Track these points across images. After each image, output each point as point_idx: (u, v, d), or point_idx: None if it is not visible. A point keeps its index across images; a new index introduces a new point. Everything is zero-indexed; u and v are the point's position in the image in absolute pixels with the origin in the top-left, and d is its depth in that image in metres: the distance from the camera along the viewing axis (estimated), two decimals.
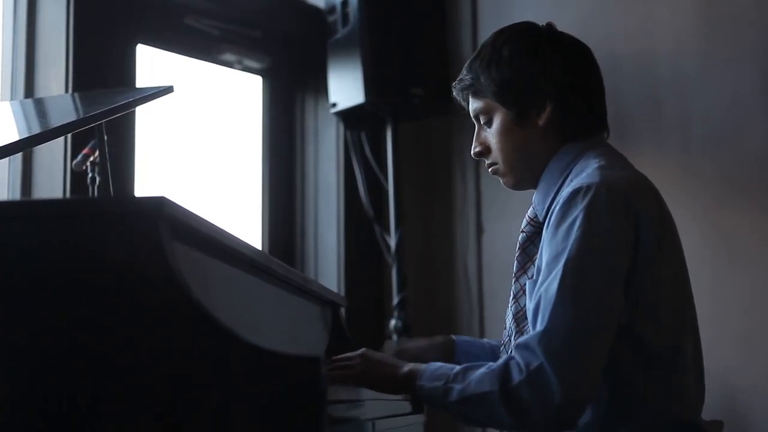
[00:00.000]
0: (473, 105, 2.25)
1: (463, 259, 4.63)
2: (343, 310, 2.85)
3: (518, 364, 1.92)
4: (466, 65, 2.26)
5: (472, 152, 2.27)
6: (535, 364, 1.90)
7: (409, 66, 4.32)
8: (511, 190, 2.30)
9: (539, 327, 1.95)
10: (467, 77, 2.24)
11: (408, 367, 2.04)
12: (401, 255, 4.35)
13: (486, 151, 2.25)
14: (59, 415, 1.55)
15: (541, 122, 2.17)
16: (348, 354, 2.08)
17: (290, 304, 2.38)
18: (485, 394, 1.93)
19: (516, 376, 1.91)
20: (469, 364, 2.02)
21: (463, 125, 4.62)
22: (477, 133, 2.26)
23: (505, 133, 2.19)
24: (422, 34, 4.42)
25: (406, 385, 2.03)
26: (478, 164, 4.57)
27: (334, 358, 2.08)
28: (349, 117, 4.39)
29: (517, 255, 2.25)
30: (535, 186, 2.23)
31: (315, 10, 4.55)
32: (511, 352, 2.00)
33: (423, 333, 4.30)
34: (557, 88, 2.17)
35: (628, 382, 2.05)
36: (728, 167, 3.96)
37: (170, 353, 1.55)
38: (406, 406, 2.52)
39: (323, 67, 4.39)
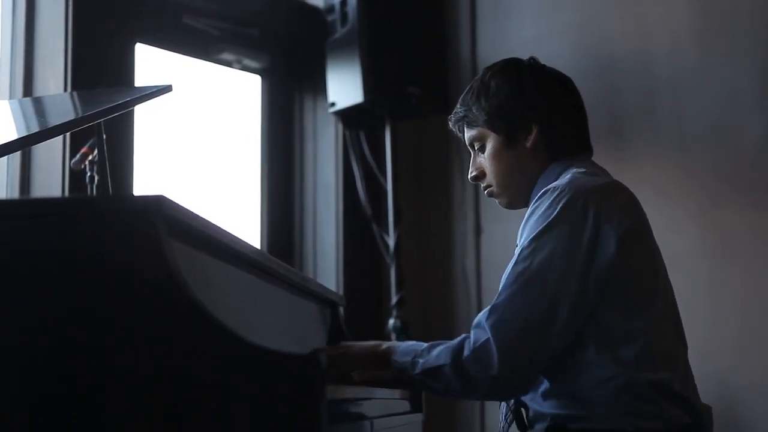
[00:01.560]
0: (468, 134, 2.45)
1: (461, 258, 4.64)
2: (341, 310, 2.86)
3: (469, 341, 2.13)
4: (459, 100, 2.46)
5: (469, 177, 2.48)
6: (482, 339, 2.11)
7: (407, 65, 4.32)
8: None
9: (491, 305, 2.15)
10: (460, 110, 2.45)
11: (386, 344, 2.25)
12: (400, 254, 4.35)
13: (482, 175, 2.44)
14: (58, 414, 1.56)
15: (528, 144, 2.37)
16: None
17: (289, 303, 2.38)
18: (440, 367, 2.14)
19: (466, 351, 2.12)
20: (438, 341, 2.21)
21: None
22: (473, 159, 2.46)
23: (496, 156, 2.39)
24: (421, 33, 4.42)
25: (383, 361, 2.21)
26: None
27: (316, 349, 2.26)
28: (347, 116, 4.40)
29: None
30: (527, 204, 2.39)
31: (314, 9, 4.56)
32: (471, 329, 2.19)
33: (421, 332, 4.31)
34: (540, 113, 2.37)
35: (597, 357, 2.17)
36: (725, 166, 3.97)
37: (169, 352, 1.55)
38: (405, 405, 2.52)
39: (322, 67, 4.40)
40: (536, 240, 2.16)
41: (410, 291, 4.38)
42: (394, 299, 4.29)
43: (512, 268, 2.17)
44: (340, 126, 4.55)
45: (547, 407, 2.23)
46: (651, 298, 2.24)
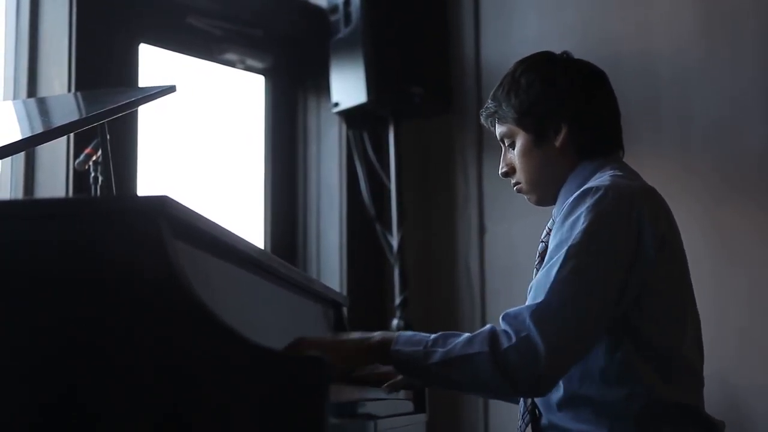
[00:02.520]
0: (498, 130, 2.42)
1: (465, 258, 4.64)
2: (345, 310, 2.86)
3: (506, 332, 2.04)
4: (490, 94, 2.43)
5: (499, 172, 2.44)
6: (524, 332, 2.03)
7: (411, 65, 4.32)
8: (523, 196, 2.44)
9: (532, 301, 2.08)
10: (491, 105, 2.42)
11: (379, 335, 2.13)
12: (403, 254, 4.36)
13: (511, 171, 2.41)
14: (60, 414, 1.56)
15: (557, 143, 2.33)
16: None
17: (292, 303, 2.39)
18: (474, 355, 2.04)
19: (505, 342, 2.03)
20: (446, 332, 2.12)
21: (465, 124, 4.63)
22: (503, 155, 2.44)
23: (526, 154, 2.36)
24: (424, 33, 4.43)
25: (379, 353, 2.11)
26: (480, 164, 4.57)
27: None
28: (351, 116, 4.40)
29: (536, 263, 2.36)
30: (555, 202, 2.38)
31: (317, 9, 4.55)
32: (500, 321, 2.10)
33: (425, 332, 4.31)
34: (571, 112, 2.33)
35: (627, 370, 2.14)
36: (728, 166, 3.97)
37: (172, 352, 1.56)
38: (409, 406, 2.52)
39: (325, 67, 4.40)
40: (584, 239, 2.10)
41: (414, 291, 4.38)
42: (397, 299, 4.29)
43: (559, 264, 2.08)
44: (344, 126, 4.55)
45: (563, 419, 2.20)
46: (682, 307, 2.23)
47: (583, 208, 2.14)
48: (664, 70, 4.12)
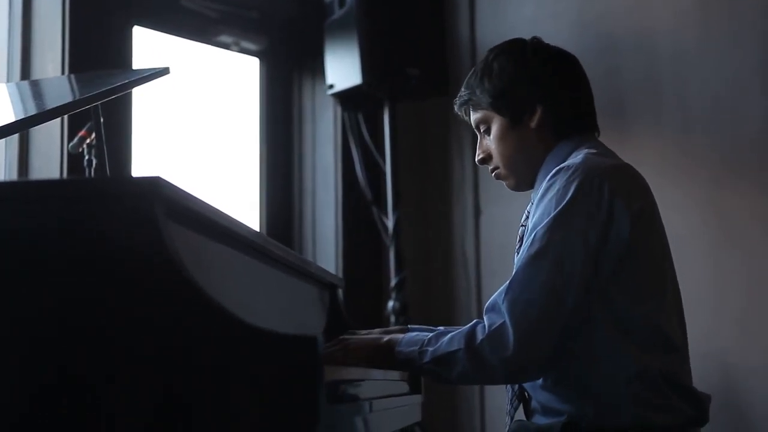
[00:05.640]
0: (473, 117, 2.44)
1: (460, 240, 4.64)
2: (340, 292, 2.85)
3: (483, 325, 2.12)
4: (464, 83, 2.44)
5: (476, 160, 2.46)
6: (498, 322, 2.09)
7: (406, 47, 4.31)
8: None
9: (505, 286, 2.13)
10: (464, 93, 2.43)
11: (387, 337, 2.24)
12: (399, 236, 4.35)
13: (488, 157, 2.43)
14: (55, 395, 1.55)
15: (533, 124, 2.34)
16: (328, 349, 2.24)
17: (288, 285, 2.38)
18: (453, 353, 2.12)
19: (479, 335, 2.11)
20: (444, 329, 2.22)
21: None
22: (479, 142, 2.46)
23: (502, 137, 2.38)
24: (419, 14, 4.41)
25: (386, 355, 2.21)
26: (475, 145, 4.56)
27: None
28: (346, 98, 4.39)
29: (516, 247, 2.37)
30: (533, 186, 2.38)
31: None
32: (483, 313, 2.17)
33: (421, 314, 4.32)
34: (544, 92, 2.35)
35: (608, 344, 2.16)
36: (727, 147, 3.96)
37: (166, 334, 1.55)
38: (404, 387, 2.52)
39: (320, 49, 4.39)
40: (552, 220, 2.13)
41: (409, 273, 4.38)
42: (393, 281, 4.29)
43: (527, 248, 2.14)
44: (339, 108, 4.55)
45: (551, 400, 2.21)
46: (661, 281, 2.24)
47: (554, 190, 2.17)
48: (663, 51, 4.11)
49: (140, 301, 1.57)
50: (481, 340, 2.09)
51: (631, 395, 2.13)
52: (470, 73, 2.43)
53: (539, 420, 2.26)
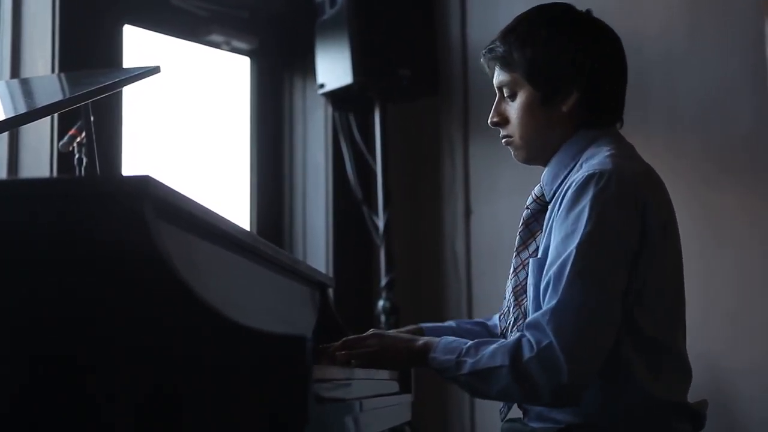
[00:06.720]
0: (500, 76, 2.27)
1: (451, 240, 4.64)
2: (331, 291, 2.85)
3: (529, 342, 2.00)
4: (500, 35, 2.27)
5: (489, 121, 2.31)
6: (545, 342, 1.98)
7: (397, 47, 4.31)
8: (520, 163, 2.35)
9: (548, 306, 2.02)
10: (500, 48, 2.26)
11: (422, 340, 2.15)
12: (389, 236, 4.35)
13: (503, 122, 2.29)
14: (44, 393, 1.55)
15: (564, 108, 2.22)
16: (359, 336, 2.19)
17: (278, 284, 2.38)
18: (496, 368, 2.02)
19: (527, 353, 2.00)
20: (482, 339, 2.11)
21: (451, 106, 4.62)
22: (497, 103, 2.30)
23: (528, 110, 2.23)
24: (410, 14, 4.41)
25: (419, 358, 2.13)
26: (466, 146, 4.57)
27: (345, 339, 2.18)
28: (337, 98, 4.39)
29: (520, 230, 2.30)
30: (544, 164, 2.28)
31: None
32: (523, 329, 2.06)
33: (411, 313, 4.32)
34: (586, 79, 2.21)
35: (622, 365, 2.10)
36: (716, 147, 3.96)
37: (155, 332, 1.55)
38: (394, 386, 2.52)
39: (311, 48, 4.38)
40: (588, 235, 2.03)
41: (400, 272, 4.38)
42: (383, 281, 4.29)
43: (569, 268, 2.02)
44: (330, 108, 4.55)
45: (547, 409, 2.18)
46: (679, 299, 2.20)
47: (587, 199, 2.06)
48: (652, 51, 4.11)
49: (129, 300, 1.57)
50: (529, 357, 1.99)
51: (633, 418, 2.11)
52: (510, 26, 2.27)
53: (533, 423, 2.23)
